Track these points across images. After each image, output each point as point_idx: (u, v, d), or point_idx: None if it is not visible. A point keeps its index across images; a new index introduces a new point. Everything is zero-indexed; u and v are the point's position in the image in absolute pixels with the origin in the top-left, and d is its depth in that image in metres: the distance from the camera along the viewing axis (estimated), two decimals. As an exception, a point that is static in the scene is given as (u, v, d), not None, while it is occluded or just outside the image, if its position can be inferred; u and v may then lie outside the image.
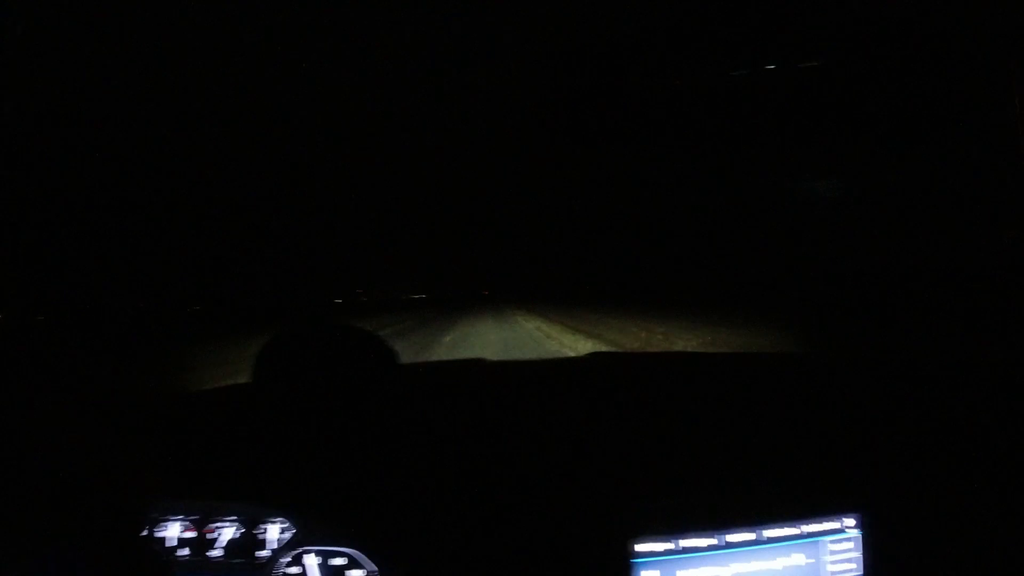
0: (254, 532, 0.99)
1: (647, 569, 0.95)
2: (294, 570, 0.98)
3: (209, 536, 0.99)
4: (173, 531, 1.00)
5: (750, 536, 0.98)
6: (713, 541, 0.97)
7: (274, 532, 0.99)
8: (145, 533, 1.00)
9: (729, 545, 0.98)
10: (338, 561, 0.97)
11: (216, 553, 0.99)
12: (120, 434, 1.16)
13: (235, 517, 1.00)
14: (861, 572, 1.01)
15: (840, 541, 1.01)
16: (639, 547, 0.95)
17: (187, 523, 1.00)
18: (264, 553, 0.99)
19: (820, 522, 1.00)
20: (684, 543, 0.96)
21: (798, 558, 1.00)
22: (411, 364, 1.45)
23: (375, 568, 0.96)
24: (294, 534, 0.99)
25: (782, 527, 0.99)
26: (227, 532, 0.99)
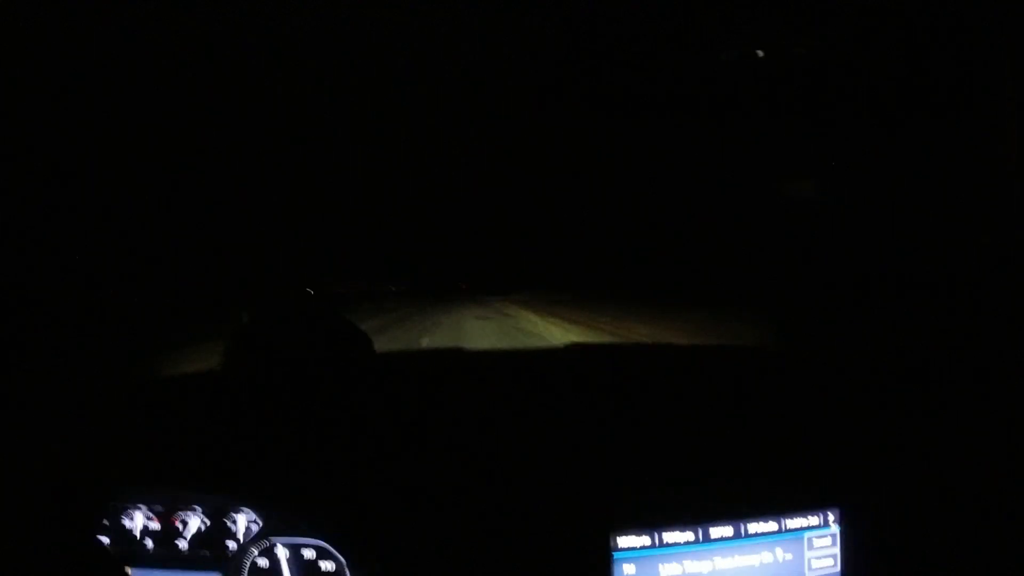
0: (223, 523, 0.96)
1: (627, 563, 0.93)
2: (263, 562, 0.95)
3: (175, 527, 0.96)
4: (138, 521, 0.96)
5: (731, 531, 0.97)
6: (693, 536, 0.96)
7: (242, 523, 0.96)
8: (108, 523, 0.96)
9: (710, 540, 0.96)
10: (308, 553, 0.95)
11: (183, 544, 0.95)
12: (82, 419, 1.12)
13: (202, 507, 0.97)
14: (839, 568, 1.00)
15: (823, 536, 1.00)
16: (620, 541, 0.93)
17: (152, 513, 0.97)
18: (233, 544, 0.96)
19: (802, 517, 0.99)
20: (664, 538, 0.94)
21: (779, 553, 0.98)
22: (387, 352, 1.42)
23: (345, 560, 0.93)
24: (262, 526, 0.96)
25: (763, 522, 0.98)
26: (194, 523, 0.96)
